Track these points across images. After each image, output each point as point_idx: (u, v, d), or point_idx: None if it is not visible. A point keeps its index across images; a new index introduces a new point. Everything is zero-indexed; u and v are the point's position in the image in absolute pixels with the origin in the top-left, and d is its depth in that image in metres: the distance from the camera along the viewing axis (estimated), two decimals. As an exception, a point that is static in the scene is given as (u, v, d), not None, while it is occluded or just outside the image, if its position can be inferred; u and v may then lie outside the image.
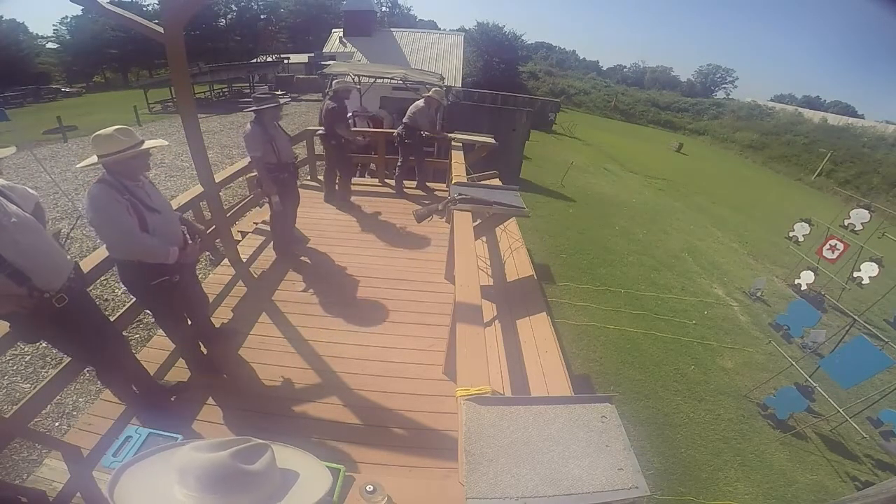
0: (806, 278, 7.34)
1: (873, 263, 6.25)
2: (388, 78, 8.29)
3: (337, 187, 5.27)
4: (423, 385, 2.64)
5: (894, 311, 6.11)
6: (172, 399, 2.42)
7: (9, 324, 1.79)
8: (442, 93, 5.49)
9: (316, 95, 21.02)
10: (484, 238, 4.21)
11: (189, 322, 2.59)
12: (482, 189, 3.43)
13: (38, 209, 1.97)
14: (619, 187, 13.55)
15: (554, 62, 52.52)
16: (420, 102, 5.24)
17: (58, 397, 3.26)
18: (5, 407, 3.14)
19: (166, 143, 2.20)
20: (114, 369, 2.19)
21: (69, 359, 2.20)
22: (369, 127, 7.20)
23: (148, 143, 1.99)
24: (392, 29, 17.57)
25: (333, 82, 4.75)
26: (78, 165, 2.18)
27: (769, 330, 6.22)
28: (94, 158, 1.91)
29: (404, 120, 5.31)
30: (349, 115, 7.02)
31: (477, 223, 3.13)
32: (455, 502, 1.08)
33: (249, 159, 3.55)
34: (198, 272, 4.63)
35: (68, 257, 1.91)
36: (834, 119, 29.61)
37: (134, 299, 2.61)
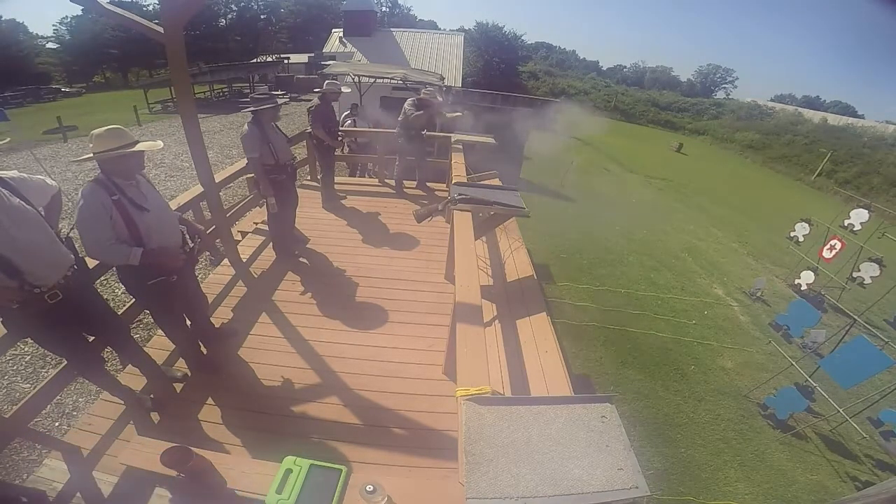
0: (806, 278, 7.35)
1: (874, 263, 6.25)
2: (388, 78, 8.30)
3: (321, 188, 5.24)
4: (422, 385, 2.63)
5: (894, 311, 6.11)
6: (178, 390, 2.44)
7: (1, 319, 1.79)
8: (433, 93, 5.48)
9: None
10: (484, 238, 4.21)
11: (188, 322, 2.60)
12: (482, 189, 3.43)
13: (55, 200, 1.98)
14: (620, 187, 13.55)
15: (554, 62, 52.43)
16: (412, 101, 5.24)
17: (58, 397, 3.29)
18: (5, 407, 3.14)
19: (161, 145, 2.19)
20: (101, 373, 2.19)
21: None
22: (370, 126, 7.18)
23: (141, 146, 1.98)
24: (392, 29, 17.58)
25: (325, 83, 4.74)
26: (73, 160, 2.25)
27: (769, 330, 6.22)
28: (89, 154, 1.93)
29: (399, 119, 5.32)
30: (347, 114, 7.04)
31: (476, 224, 3.13)
32: (455, 502, 1.08)
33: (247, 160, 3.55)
34: (198, 272, 4.65)
35: (70, 254, 1.91)
36: (834, 119, 29.62)
37: (134, 299, 2.62)
